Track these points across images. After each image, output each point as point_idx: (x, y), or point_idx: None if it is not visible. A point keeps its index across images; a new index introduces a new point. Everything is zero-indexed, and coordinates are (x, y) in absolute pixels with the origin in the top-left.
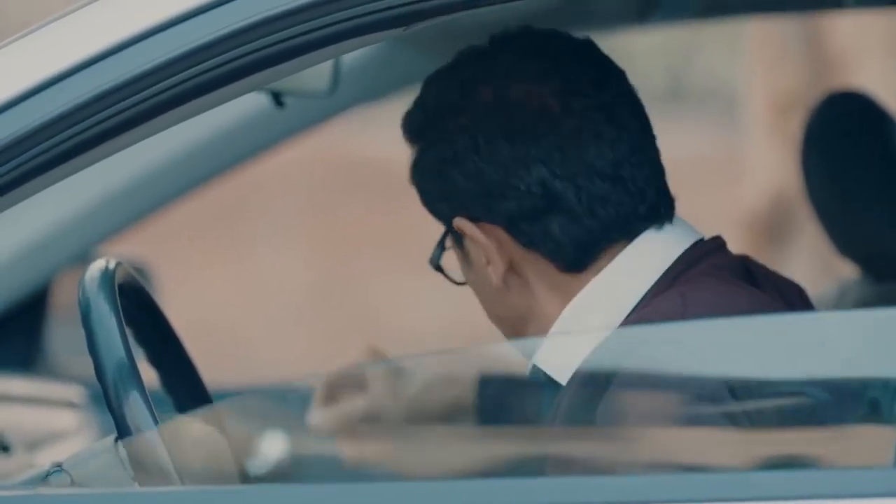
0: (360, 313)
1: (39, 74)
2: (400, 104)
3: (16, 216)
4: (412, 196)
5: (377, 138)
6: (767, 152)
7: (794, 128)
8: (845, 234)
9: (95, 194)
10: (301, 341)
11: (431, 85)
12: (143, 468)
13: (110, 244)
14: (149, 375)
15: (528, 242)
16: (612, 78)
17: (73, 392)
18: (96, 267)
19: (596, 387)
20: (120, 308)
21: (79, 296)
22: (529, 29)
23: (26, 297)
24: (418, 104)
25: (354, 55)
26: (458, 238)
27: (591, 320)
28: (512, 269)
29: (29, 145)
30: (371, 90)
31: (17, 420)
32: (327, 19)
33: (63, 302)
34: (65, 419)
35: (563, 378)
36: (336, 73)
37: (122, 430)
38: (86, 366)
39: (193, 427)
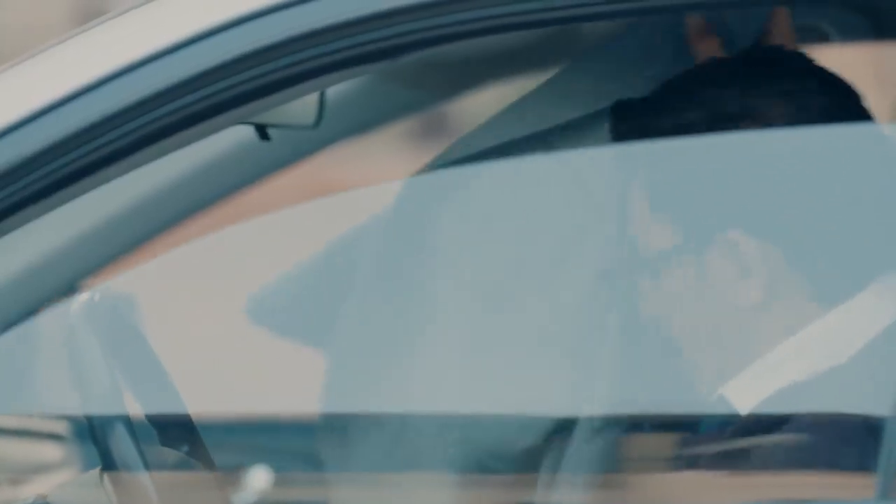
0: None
1: (15, 111)
2: (386, 137)
3: (1, 249)
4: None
5: (363, 171)
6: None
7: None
8: (811, 259)
9: (80, 228)
10: (289, 374)
11: None
12: (128, 500)
13: (96, 277)
14: (134, 408)
15: None
16: None
17: (59, 424)
18: (82, 299)
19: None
20: (105, 340)
21: (64, 328)
22: None
23: (12, 329)
24: None
25: (340, 88)
26: None
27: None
28: None
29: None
30: (357, 123)
31: (1, 452)
32: (312, 52)
33: (49, 334)
34: (50, 451)
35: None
36: (321, 105)
37: (108, 463)
38: (71, 398)
39: (178, 459)
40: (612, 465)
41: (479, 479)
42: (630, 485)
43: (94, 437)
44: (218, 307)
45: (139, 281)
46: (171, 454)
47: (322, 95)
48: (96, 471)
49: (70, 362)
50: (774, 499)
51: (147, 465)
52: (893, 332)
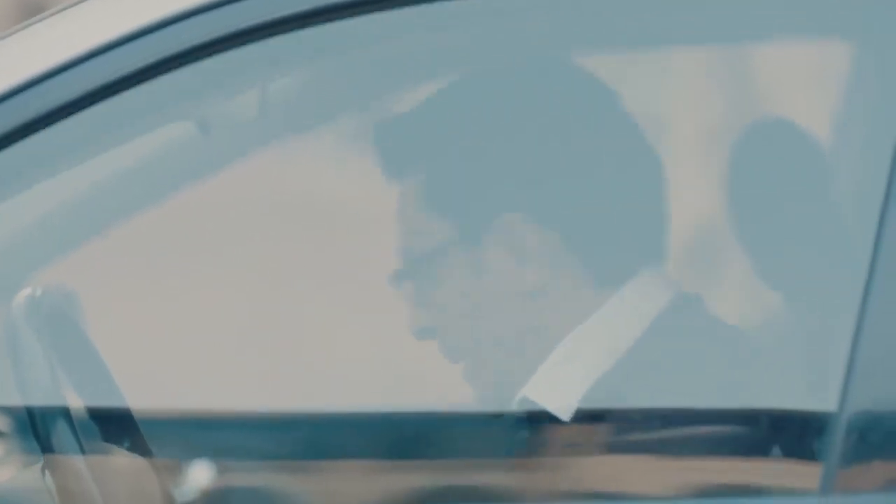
0: (294, 345)
1: None
2: (329, 134)
3: None
4: (346, 227)
5: (310, 170)
6: (693, 181)
7: (721, 157)
8: (770, 265)
9: (21, 224)
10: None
11: None
12: (69, 496)
13: (37, 274)
14: (75, 403)
15: None
16: None
17: (0, 420)
18: (22, 295)
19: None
20: (46, 336)
21: (4, 324)
22: None
23: None
24: None
25: (283, 84)
26: None
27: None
28: None
29: None
30: (299, 120)
31: None
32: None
33: None
34: None
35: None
36: (263, 101)
37: (49, 459)
38: (12, 394)
39: (119, 455)
40: (532, 451)
41: (409, 465)
42: (553, 469)
43: (35, 432)
44: (158, 303)
45: (80, 277)
46: (112, 449)
47: (264, 91)
48: (38, 466)
49: (11, 358)
50: (708, 485)
51: (88, 461)
52: (661, 325)
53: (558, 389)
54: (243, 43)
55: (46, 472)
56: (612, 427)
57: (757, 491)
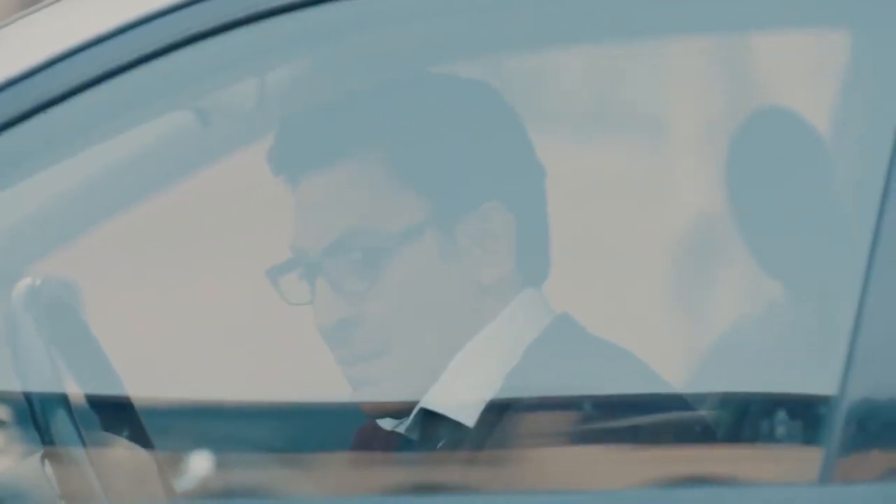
0: (293, 336)
1: None
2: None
3: None
4: None
5: None
6: (693, 172)
7: (719, 147)
8: (767, 249)
9: (21, 214)
10: (232, 360)
11: None
12: (69, 485)
13: (37, 263)
14: (75, 393)
15: None
16: None
17: None
18: (22, 285)
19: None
20: (46, 325)
21: (4, 313)
22: None
23: None
24: None
25: (281, 74)
26: None
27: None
28: None
29: None
30: (296, 110)
31: None
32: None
33: None
34: None
35: (468, 419)
36: (262, 91)
37: (49, 448)
38: (11, 383)
39: (119, 444)
40: (508, 442)
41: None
42: (526, 460)
43: (35, 421)
44: (157, 292)
45: (79, 267)
46: (111, 438)
47: (262, 81)
48: (38, 455)
49: (10, 347)
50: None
51: (88, 450)
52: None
53: (459, 399)
54: (241, 31)
55: (46, 461)
56: (596, 414)
57: (756, 479)
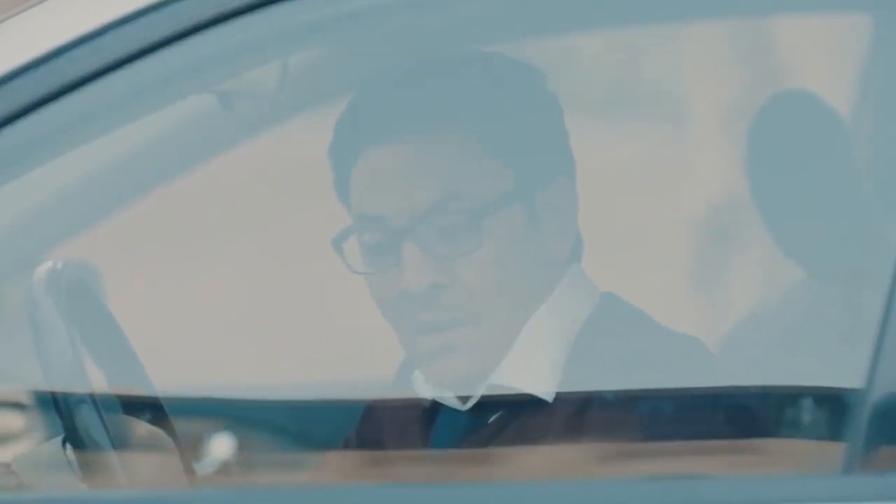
0: (316, 318)
1: None
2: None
3: None
4: None
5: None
6: (713, 155)
7: (739, 131)
8: (791, 236)
9: (43, 198)
10: (253, 345)
11: None
12: (90, 469)
13: (59, 247)
14: (96, 376)
15: None
16: None
17: (21, 393)
18: (44, 269)
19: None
20: (68, 310)
21: (25, 297)
22: None
23: None
24: None
25: (303, 58)
26: None
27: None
28: None
29: None
30: (319, 93)
31: None
32: None
33: (11, 303)
34: (12, 420)
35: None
36: (284, 74)
37: (70, 432)
38: (34, 367)
39: (140, 428)
40: (490, 440)
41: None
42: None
43: (56, 406)
44: (179, 276)
45: (101, 251)
46: (133, 422)
47: (285, 64)
48: (59, 439)
49: (32, 332)
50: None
51: (109, 434)
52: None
53: (532, 373)
54: (262, 13)
55: (67, 445)
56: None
57: (781, 469)
